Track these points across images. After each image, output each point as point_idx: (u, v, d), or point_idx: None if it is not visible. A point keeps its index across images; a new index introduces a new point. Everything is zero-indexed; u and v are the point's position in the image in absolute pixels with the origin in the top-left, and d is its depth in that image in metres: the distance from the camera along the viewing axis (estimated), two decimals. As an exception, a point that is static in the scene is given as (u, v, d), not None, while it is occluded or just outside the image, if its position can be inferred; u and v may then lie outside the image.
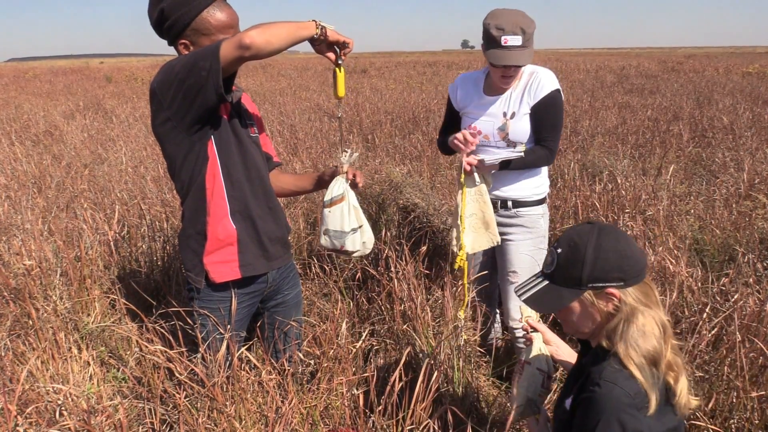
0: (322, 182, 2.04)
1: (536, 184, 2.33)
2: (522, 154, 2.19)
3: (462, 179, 2.22)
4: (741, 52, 48.47)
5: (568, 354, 1.66)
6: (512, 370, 2.56)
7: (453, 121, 2.44)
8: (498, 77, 2.18)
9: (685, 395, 1.19)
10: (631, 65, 21.94)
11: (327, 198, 1.91)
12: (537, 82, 2.19)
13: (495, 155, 2.22)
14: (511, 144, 2.25)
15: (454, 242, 2.30)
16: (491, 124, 2.26)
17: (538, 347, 1.64)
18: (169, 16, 1.65)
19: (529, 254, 2.34)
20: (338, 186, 1.89)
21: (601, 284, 1.22)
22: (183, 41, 1.69)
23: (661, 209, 3.52)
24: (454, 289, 2.43)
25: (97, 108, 10.80)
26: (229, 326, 1.91)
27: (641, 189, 4.00)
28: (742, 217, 3.58)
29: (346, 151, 1.90)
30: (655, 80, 14.43)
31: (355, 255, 1.98)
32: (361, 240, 1.94)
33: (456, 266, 2.28)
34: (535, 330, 1.67)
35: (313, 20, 1.67)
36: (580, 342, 1.43)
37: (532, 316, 1.71)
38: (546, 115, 2.20)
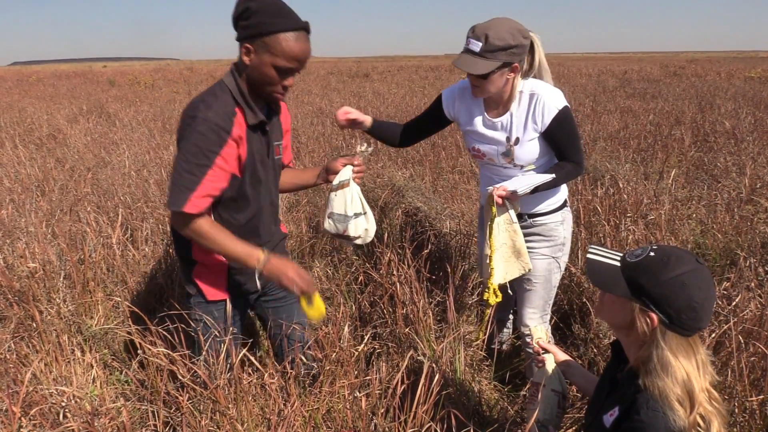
0: (328, 172, 2.06)
1: (549, 195, 2.24)
2: (554, 175, 2.06)
3: (493, 211, 2.08)
4: (743, 56, 48.48)
5: (579, 373, 1.66)
6: (514, 373, 2.58)
7: (431, 120, 2.36)
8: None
9: None
10: (633, 69, 21.97)
11: (335, 183, 1.97)
12: (541, 106, 2.05)
13: (525, 184, 2.05)
14: (518, 166, 2.17)
15: (486, 274, 2.19)
16: (495, 149, 2.17)
17: (551, 368, 1.65)
18: (251, 16, 1.63)
19: (545, 263, 2.29)
20: (346, 172, 1.95)
21: (651, 305, 1.20)
22: (248, 45, 1.67)
23: (662, 213, 3.52)
24: (465, 297, 2.44)
25: (100, 112, 10.84)
26: (230, 328, 1.94)
27: (643, 193, 4.01)
28: (744, 221, 3.59)
29: (364, 144, 1.98)
30: (657, 85, 14.45)
31: (356, 241, 2.00)
32: (363, 226, 1.96)
33: (491, 301, 2.17)
34: (547, 351, 1.68)
35: (262, 257, 1.72)
36: (612, 352, 1.43)
37: (543, 337, 1.71)
38: (560, 135, 2.09)
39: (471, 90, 2.11)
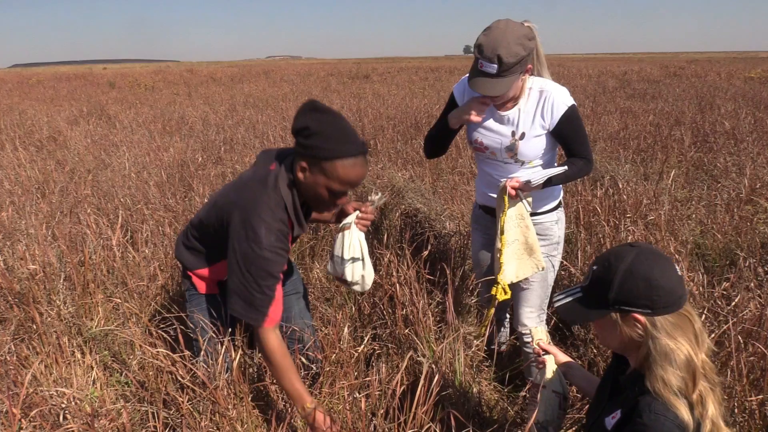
0: (342, 213, 2.10)
1: (546, 195, 2.25)
2: (566, 168, 2.06)
3: (506, 202, 2.07)
4: (743, 57, 48.46)
5: (580, 374, 1.67)
6: (514, 374, 2.58)
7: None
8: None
9: (707, 427, 1.16)
10: (633, 70, 21.96)
11: (340, 224, 2.00)
12: (550, 103, 2.06)
13: (538, 175, 2.05)
14: (519, 162, 2.17)
15: (497, 270, 2.19)
16: (498, 142, 2.16)
17: (552, 369, 1.65)
18: (309, 137, 1.63)
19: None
20: (352, 216, 1.98)
21: (627, 308, 1.22)
22: (304, 163, 1.69)
23: (662, 214, 3.52)
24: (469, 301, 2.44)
25: (100, 114, 10.85)
26: (226, 327, 1.96)
27: (643, 194, 4.01)
28: (744, 221, 3.59)
29: (378, 194, 2.01)
30: (657, 85, 14.44)
31: (354, 287, 2.02)
32: (360, 272, 1.98)
33: (500, 298, 2.17)
34: (548, 352, 1.68)
35: (308, 407, 1.72)
36: (613, 354, 1.44)
37: (543, 338, 1.72)
38: (570, 132, 2.11)
39: (492, 101, 2.09)
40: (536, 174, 2.05)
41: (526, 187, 2.04)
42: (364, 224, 1.98)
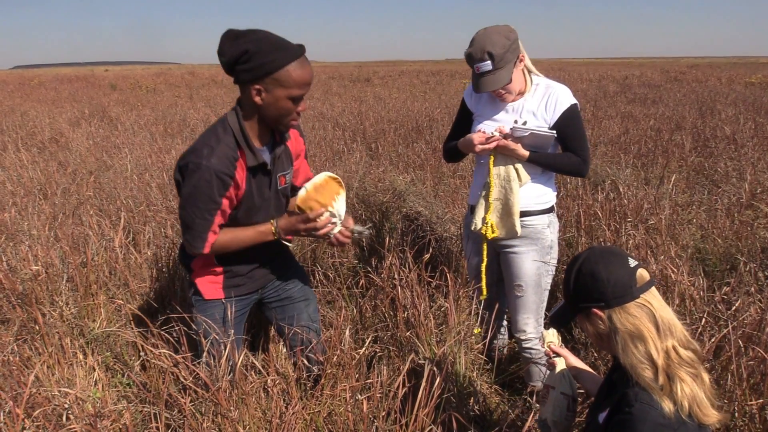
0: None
1: (539, 193, 2.28)
2: (554, 132, 2.15)
3: (492, 159, 2.22)
4: (744, 62, 48.53)
5: (590, 378, 1.68)
6: (514, 378, 2.59)
7: (463, 125, 2.41)
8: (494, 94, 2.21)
9: (685, 407, 1.20)
10: (634, 75, 22.00)
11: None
12: (555, 98, 2.18)
13: (524, 127, 2.17)
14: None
15: (479, 221, 2.30)
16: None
17: (562, 371, 1.66)
18: (252, 58, 1.65)
19: (533, 267, 2.31)
20: (341, 202, 1.97)
21: (584, 304, 1.31)
22: (258, 87, 1.70)
23: (663, 218, 3.53)
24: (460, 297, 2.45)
25: (102, 115, 10.87)
26: (231, 330, 1.96)
27: (643, 198, 4.02)
28: (744, 226, 3.60)
29: (368, 225, 2.06)
30: (657, 90, 14.47)
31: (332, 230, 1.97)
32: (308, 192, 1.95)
33: (489, 236, 2.29)
34: (558, 354, 1.70)
35: (271, 228, 1.89)
36: (614, 358, 1.46)
37: (554, 341, 1.74)
38: (569, 129, 2.19)
39: (500, 99, 2.23)
40: (520, 125, 2.20)
41: (511, 133, 2.16)
42: (339, 238, 1.97)
